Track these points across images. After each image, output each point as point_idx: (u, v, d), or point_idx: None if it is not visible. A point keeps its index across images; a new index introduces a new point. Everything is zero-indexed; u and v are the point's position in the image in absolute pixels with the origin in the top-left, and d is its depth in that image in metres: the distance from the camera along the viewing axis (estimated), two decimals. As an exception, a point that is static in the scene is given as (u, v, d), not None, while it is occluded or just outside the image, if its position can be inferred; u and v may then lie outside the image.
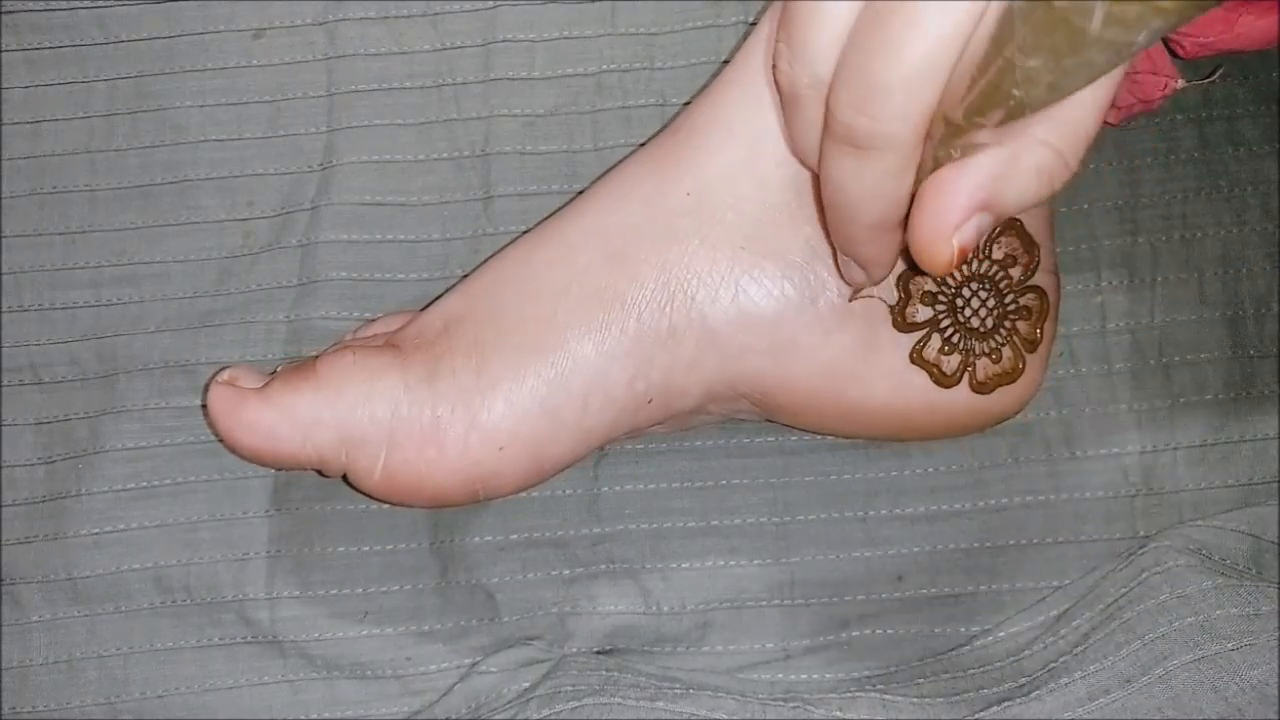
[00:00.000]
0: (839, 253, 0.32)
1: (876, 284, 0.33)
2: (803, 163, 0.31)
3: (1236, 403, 0.39)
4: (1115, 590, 0.37)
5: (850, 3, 0.25)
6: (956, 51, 0.24)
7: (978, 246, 0.35)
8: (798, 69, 0.27)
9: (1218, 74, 0.38)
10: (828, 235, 0.33)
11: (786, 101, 0.29)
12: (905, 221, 0.29)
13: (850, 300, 0.35)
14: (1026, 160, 0.26)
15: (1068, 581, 0.39)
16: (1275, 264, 0.40)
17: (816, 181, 0.30)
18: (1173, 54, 0.37)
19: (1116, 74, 0.25)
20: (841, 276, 0.34)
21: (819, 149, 0.28)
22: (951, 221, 0.26)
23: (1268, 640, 0.32)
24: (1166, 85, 0.37)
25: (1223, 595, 0.34)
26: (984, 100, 0.25)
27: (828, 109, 0.27)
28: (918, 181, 0.27)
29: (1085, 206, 0.41)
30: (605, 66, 0.41)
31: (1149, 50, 0.37)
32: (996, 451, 0.39)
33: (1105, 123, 0.39)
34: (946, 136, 0.26)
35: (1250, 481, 0.39)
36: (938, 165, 0.27)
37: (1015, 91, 0.24)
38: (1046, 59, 0.23)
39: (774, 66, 0.28)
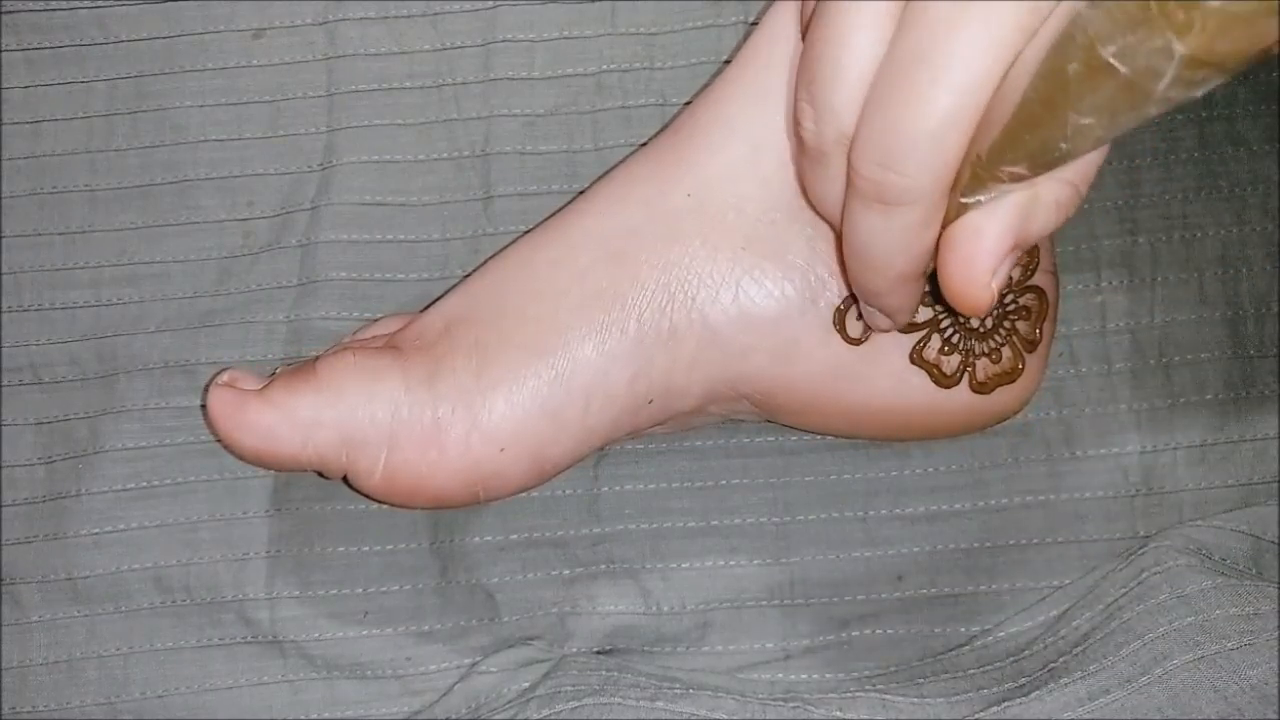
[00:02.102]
0: (861, 302, 0.32)
1: (899, 329, 0.33)
2: (824, 217, 0.31)
3: (1236, 403, 0.40)
4: (1115, 590, 0.37)
5: (871, 55, 0.26)
6: (982, 103, 0.24)
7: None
8: (824, 126, 0.27)
9: None
10: (847, 282, 0.33)
11: (811, 158, 0.29)
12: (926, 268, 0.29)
13: (861, 340, 0.35)
14: (1048, 197, 0.26)
15: (1068, 581, 0.39)
16: (1275, 264, 0.40)
17: (838, 235, 0.30)
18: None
19: None
20: (861, 319, 0.34)
21: (841, 202, 0.28)
22: (988, 267, 0.26)
23: (1267, 640, 0.32)
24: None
25: (1222, 595, 0.34)
26: (1023, 151, 0.25)
27: (850, 164, 0.27)
28: (940, 228, 0.27)
29: (1085, 206, 0.40)
30: (605, 66, 0.41)
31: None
32: (996, 451, 0.39)
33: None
34: (971, 184, 0.26)
35: (1250, 481, 0.39)
36: (961, 211, 0.27)
37: (1063, 145, 0.24)
38: (1103, 117, 0.24)
39: (796, 124, 0.28)
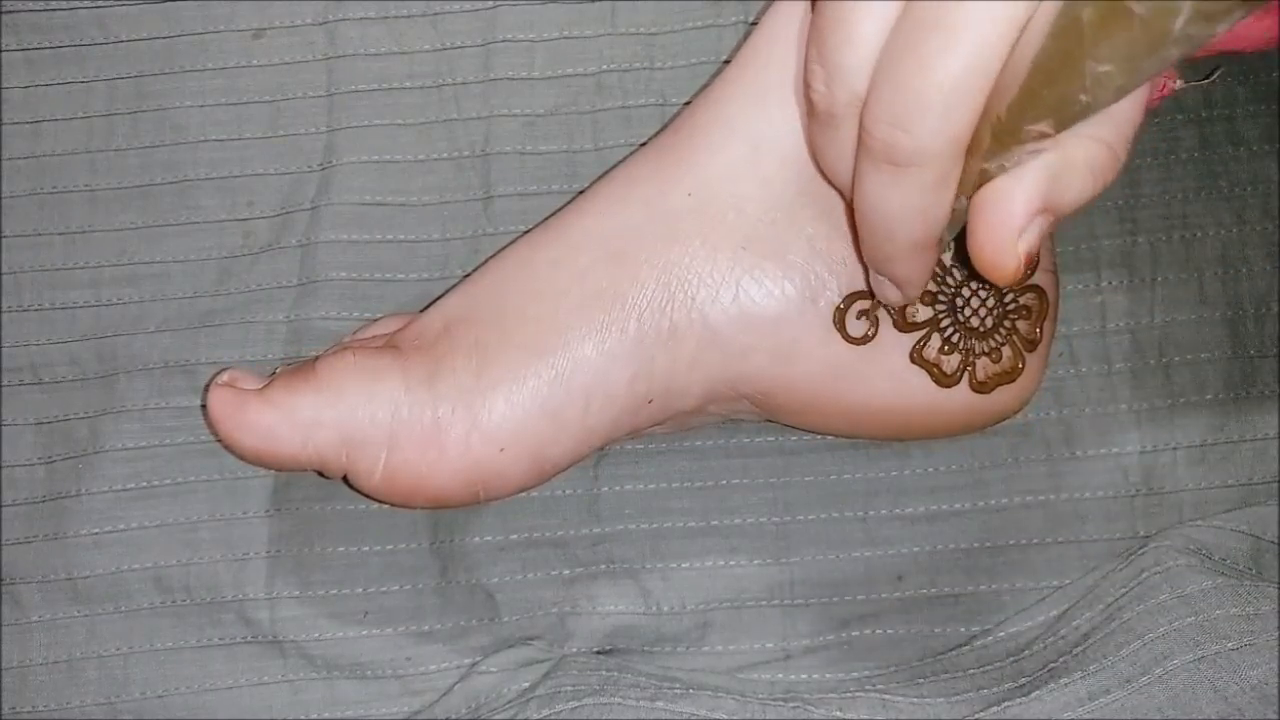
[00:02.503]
0: (872, 272, 0.32)
1: (911, 302, 0.33)
2: (834, 184, 0.31)
3: (1236, 402, 0.40)
4: (1115, 590, 0.37)
5: (884, 17, 0.25)
6: (999, 61, 0.24)
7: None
8: (835, 88, 0.27)
9: (1216, 74, 0.39)
10: (859, 252, 0.33)
11: (822, 122, 0.28)
12: (942, 241, 0.29)
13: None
14: (1079, 158, 0.26)
15: (1068, 581, 0.39)
16: (1275, 264, 0.40)
17: (849, 202, 0.30)
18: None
19: None
20: (871, 293, 0.34)
21: (853, 168, 0.28)
22: (1015, 229, 0.26)
23: (1268, 640, 0.32)
24: (1165, 86, 0.37)
25: (1223, 595, 0.34)
26: (1043, 107, 0.24)
27: (862, 126, 0.26)
28: (964, 196, 0.27)
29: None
30: (605, 66, 0.41)
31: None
32: (996, 451, 0.39)
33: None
34: (994, 148, 0.26)
35: (1250, 481, 0.39)
36: (985, 178, 0.26)
37: (1083, 97, 0.24)
38: (1121, 63, 0.23)
39: (807, 86, 0.28)
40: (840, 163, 0.29)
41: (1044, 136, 0.25)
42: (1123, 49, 0.23)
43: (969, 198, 0.27)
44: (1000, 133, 0.25)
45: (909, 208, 0.27)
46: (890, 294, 0.32)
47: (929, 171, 0.26)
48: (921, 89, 0.24)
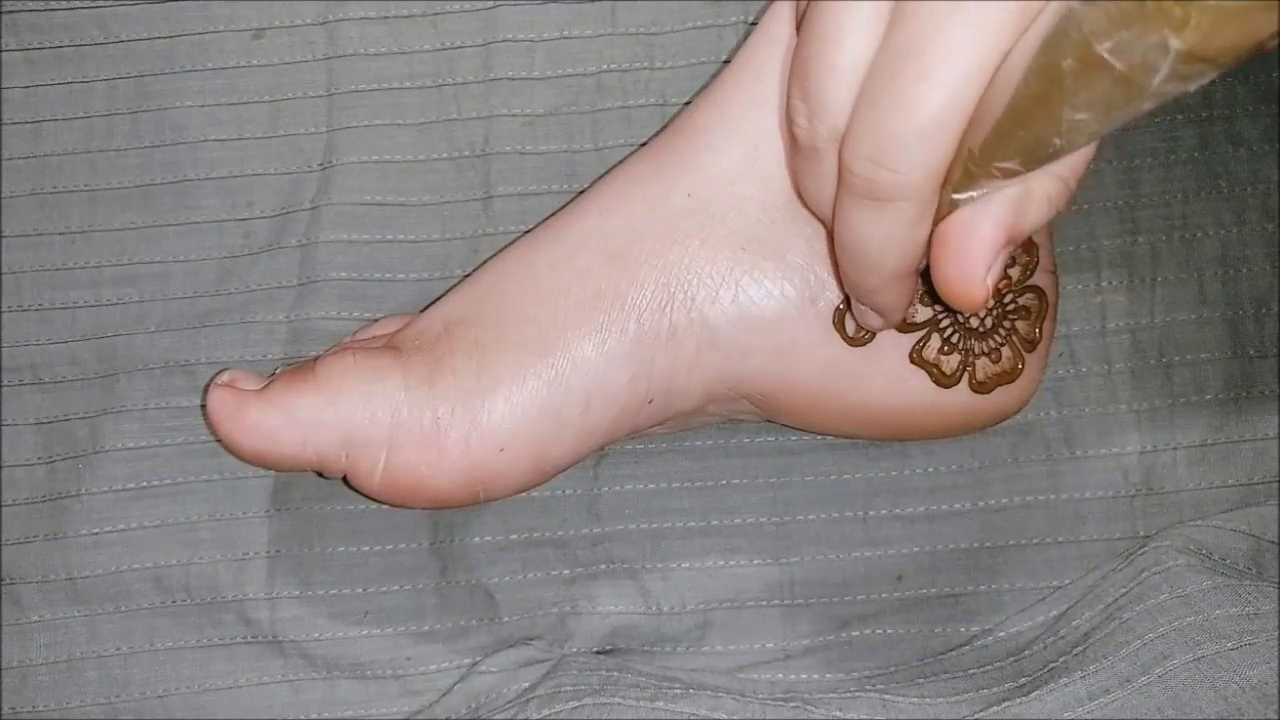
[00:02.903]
0: (853, 301, 0.32)
1: (892, 327, 0.33)
2: (816, 215, 0.31)
3: (1236, 403, 0.40)
4: (1115, 590, 0.37)
5: (864, 52, 0.26)
6: (974, 99, 0.24)
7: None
8: (816, 124, 0.27)
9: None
10: (839, 280, 0.33)
11: (804, 155, 0.29)
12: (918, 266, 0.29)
13: (860, 340, 0.35)
14: (1039, 192, 0.26)
15: (1068, 581, 0.39)
16: (1275, 264, 0.40)
17: (829, 233, 0.30)
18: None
19: None
20: (855, 320, 0.34)
21: (833, 200, 0.28)
22: (983, 262, 0.26)
23: (1267, 640, 0.32)
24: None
25: (1222, 595, 0.34)
26: (1016, 147, 0.25)
27: (842, 162, 0.27)
28: (932, 225, 0.27)
29: (1085, 206, 0.41)
30: (605, 66, 0.41)
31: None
32: (996, 451, 0.39)
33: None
34: (963, 182, 0.26)
35: (1250, 481, 0.39)
36: (952, 208, 0.27)
37: (1056, 140, 0.24)
38: (1096, 112, 0.24)
39: (790, 122, 0.28)
40: (822, 195, 0.29)
41: (1013, 174, 0.26)
42: (1100, 100, 0.23)
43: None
44: (971, 167, 0.26)
45: (889, 241, 0.27)
46: (873, 321, 0.33)
47: (909, 206, 0.26)
48: (901, 125, 0.25)
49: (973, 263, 0.26)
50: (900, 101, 0.25)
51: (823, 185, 0.29)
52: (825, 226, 0.32)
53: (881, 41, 0.25)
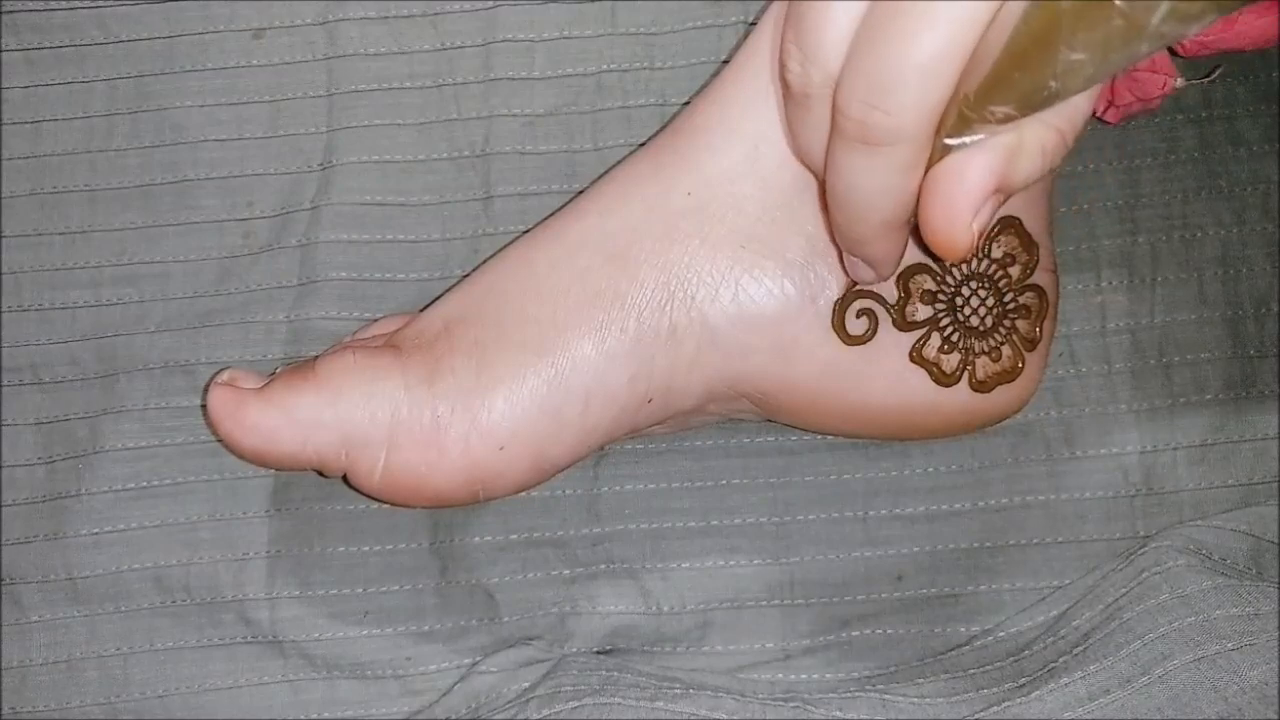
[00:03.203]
0: (845, 253, 0.32)
1: (884, 280, 0.33)
2: (805, 163, 0.31)
3: (1236, 402, 0.40)
4: (1115, 590, 0.37)
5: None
6: (972, 41, 0.24)
7: (977, 245, 0.35)
8: (809, 68, 0.27)
9: (1217, 73, 0.39)
10: (831, 234, 0.33)
11: (796, 102, 0.28)
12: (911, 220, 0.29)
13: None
14: (1033, 141, 0.26)
15: (1068, 581, 0.39)
16: (1275, 264, 0.40)
17: (821, 184, 0.30)
18: (1172, 52, 0.37)
19: None
20: (846, 273, 0.34)
21: (826, 148, 0.28)
22: (970, 207, 0.26)
23: (1267, 640, 0.32)
24: (1165, 84, 0.37)
25: (1222, 595, 0.34)
26: (1012, 90, 0.25)
27: (835, 106, 0.26)
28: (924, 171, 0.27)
29: (1085, 206, 0.41)
30: (605, 66, 0.41)
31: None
32: (997, 451, 0.39)
33: (1105, 122, 0.39)
34: (957, 126, 0.26)
35: (1250, 481, 0.39)
36: (944, 154, 0.26)
37: (1052, 83, 0.24)
38: (1094, 53, 0.23)
39: (782, 67, 0.28)
40: (815, 143, 0.29)
41: (1008, 119, 0.25)
42: (1098, 41, 0.23)
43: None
44: (966, 111, 0.25)
45: (882, 188, 0.27)
46: (864, 274, 0.32)
47: (903, 150, 0.26)
48: (897, 67, 0.24)
49: (959, 208, 0.26)
50: (897, 41, 0.24)
51: (815, 133, 0.28)
52: (817, 178, 0.31)
53: None
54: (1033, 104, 0.25)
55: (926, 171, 0.27)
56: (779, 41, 0.30)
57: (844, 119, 0.26)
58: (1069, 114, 0.26)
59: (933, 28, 0.24)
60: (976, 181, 0.26)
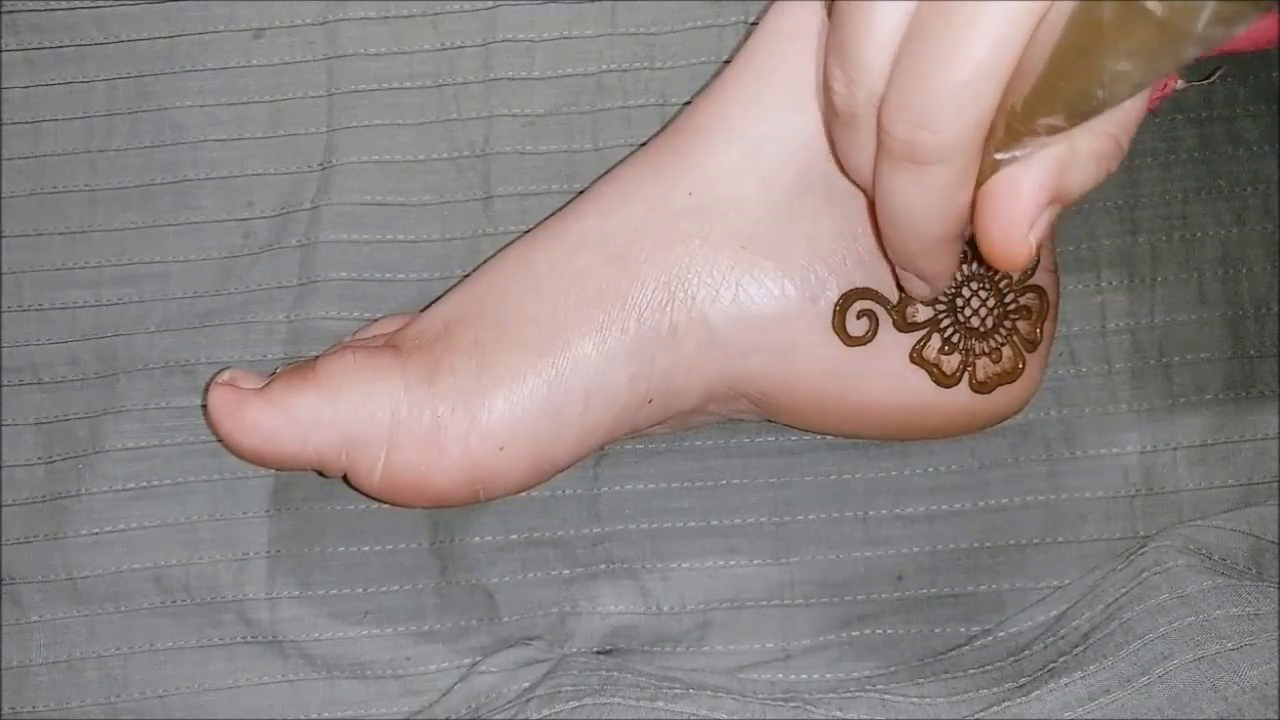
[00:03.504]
0: (897, 268, 0.32)
1: (939, 294, 0.33)
2: (856, 183, 0.31)
3: (1237, 402, 0.40)
4: (1115, 590, 0.37)
5: (901, 15, 0.25)
6: (1015, 54, 0.24)
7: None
8: (854, 89, 0.27)
9: (1218, 74, 0.39)
10: (883, 249, 0.33)
11: (844, 122, 0.28)
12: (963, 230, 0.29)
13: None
14: (1085, 150, 0.26)
15: (1068, 581, 0.39)
16: (1275, 264, 0.40)
17: (871, 201, 0.30)
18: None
19: None
20: (899, 288, 0.34)
21: (874, 167, 0.28)
22: (1026, 221, 0.26)
23: (1268, 640, 0.32)
24: (1166, 85, 0.37)
25: (1223, 595, 0.34)
26: (1059, 101, 0.24)
27: (881, 125, 0.26)
28: (975, 186, 0.27)
29: (1085, 206, 0.41)
30: (605, 66, 0.41)
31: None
32: (997, 451, 0.39)
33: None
34: (1006, 139, 0.26)
35: (1250, 481, 0.39)
36: (995, 169, 0.26)
37: (1100, 93, 0.24)
38: (1138, 61, 0.23)
39: (827, 88, 0.28)
40: (863, 162, 0.29)
41: (1056, 130, 0.25)
42: (1141, 48, 0.23)
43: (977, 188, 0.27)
44: (1014, 124, 0.25)
45: (932, 204, 0.27)
46: (919, 289, 0.33)
47: (950, 168, 0.26)
48: (940, 85, 0.24)
49: (1015, 223, 0.26)
50: (940, 59, 0.24)
51: (862, 153, 0.28)
52: (866, 195, 0.31)
53: (919, 2, 0.25)
54: (1081, 114, 0.25)
55: (978, 187, 0.27)
56: (821, 60, 0.30)
57: (890, 138, 0.26)
58: (1120, 119, 0.26)
59: (974, 44, 0.24)
60: (1030, 195, 0.26)
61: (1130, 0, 0.22)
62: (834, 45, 0.27)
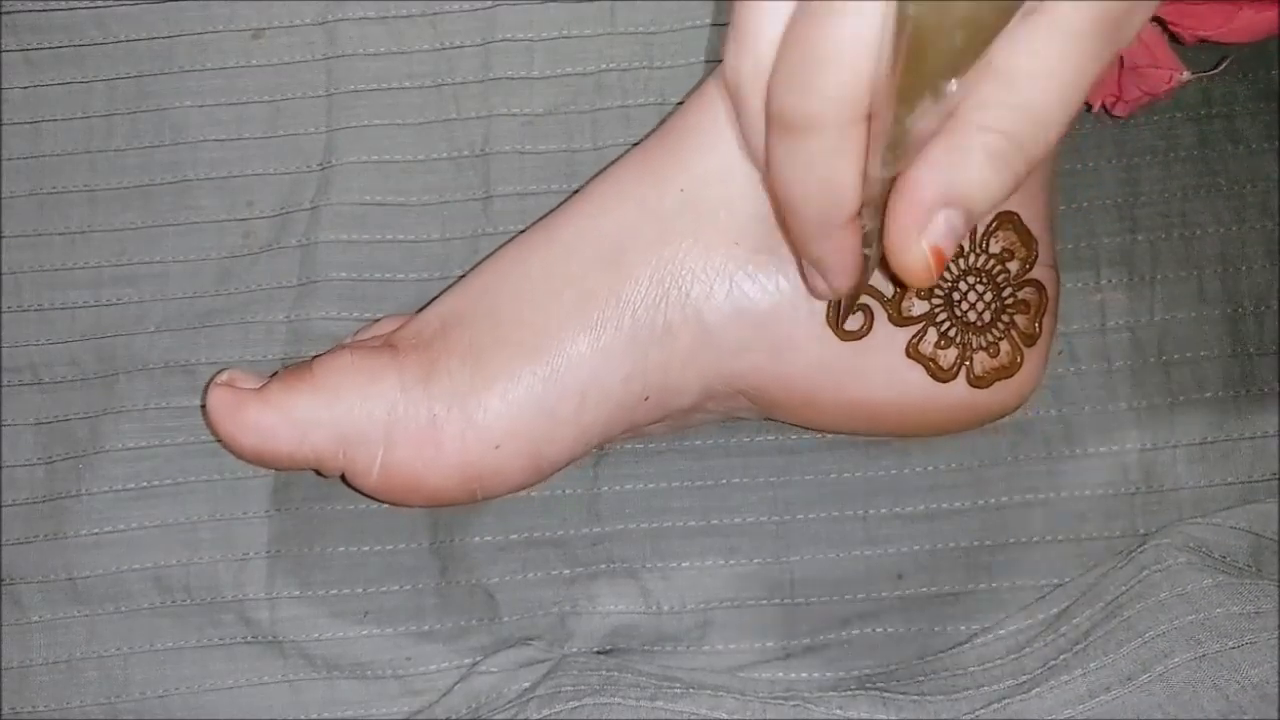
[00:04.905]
0: (800, 262, 0.32)
1: (841, 295, 0.32)
2: (754, 163, 0.31)
3: (1236, 400, 0.40)
4: (1115, 588, 0.36)
5: None
6: (879, 23, 0.24)
7: (973, 240, 0.35)
8: (741, 58, 0.27)
9: (1224, 65, 0.38)
10: (790, 244, 0.33)
11: (733, 97, 0.29)
12: (860, 224, 0.28)
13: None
14: (974, 147, 0.25)
15: (1068, 579, 0.39)
16: (1274, 261, 0.40)
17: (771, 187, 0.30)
18: (1175, 40, 0.37)
19: (1089, 60, 0.24)
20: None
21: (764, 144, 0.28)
22: (915, 221, 0.26)
23: (1268, 638, 0.32)
24: (1171, 78, 0.37)
25: (1223, 593, 0.34)
26: (910, 77, 0.24)
27: (767, 96, 0.27)
28: (883, 198, 0.27)
29: (1084, 205, 0.41)
30: (604, 66, 0.41)
31: (1148, 43, 0.37)
32: (996, 449, 0.39)
33: (1114, 117, 0.39)
34: (894, 141, 0.25)
35: (1250, 479, 0.39)
36: (905, 147, 0.26)
37: (929, 55, 0.24)
38: (969, 33, 0.23)
39: (723, 64, 0.28)
40: (754, 139, 0.29)
41: (945, 96, 0.25)
42: (969, 20, 0.23)
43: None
44: (904, 89, 0.25)
45: (808, 175, 0.27)
46: (818, 285, 0.32)
47: (824, 135, 0.26)
48: (813, 54, 0.25)
49: (906, 223, 0.26)
50: (814, 30, 0.25)
51: (754, 129, 0.28)
52: (764, 179, 0.31)
53: None
54: (927, 96, 0.24)
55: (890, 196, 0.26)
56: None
57: (771, 108, 0.26)
58: (1017, 116, 0.25)
59: (843, 14, 0.24)
60: (918, 193, 0.26)
61: None
62: (730, 22, 0.28)
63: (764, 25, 0.26)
